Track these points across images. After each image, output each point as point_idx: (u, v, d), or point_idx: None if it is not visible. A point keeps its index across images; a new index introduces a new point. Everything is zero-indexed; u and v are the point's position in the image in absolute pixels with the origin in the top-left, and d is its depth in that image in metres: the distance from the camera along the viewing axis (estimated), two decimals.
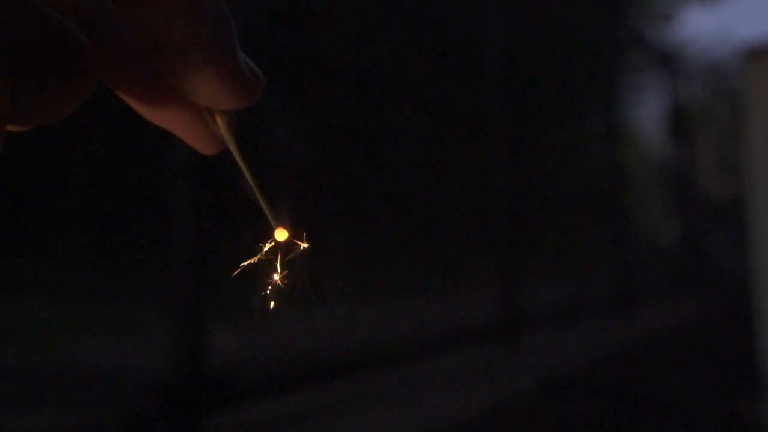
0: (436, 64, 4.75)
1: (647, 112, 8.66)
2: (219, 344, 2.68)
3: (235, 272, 0.38)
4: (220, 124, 0.35)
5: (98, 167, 2.92)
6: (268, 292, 0.38)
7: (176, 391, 2.57)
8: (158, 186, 2.76)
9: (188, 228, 2.62)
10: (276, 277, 0.38)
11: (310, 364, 3.23)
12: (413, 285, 4.57)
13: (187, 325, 2.61)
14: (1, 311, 2.89)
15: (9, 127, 0.30)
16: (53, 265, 3.00)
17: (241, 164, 0.36)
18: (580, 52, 6.93)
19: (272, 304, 0.38)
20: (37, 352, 2.91)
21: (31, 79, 0.30)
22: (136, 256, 3.10)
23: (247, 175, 0.36)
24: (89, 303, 3.12)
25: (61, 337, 3.06)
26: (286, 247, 0.38)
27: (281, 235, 0.38)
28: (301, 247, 0.38)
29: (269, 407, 2.92)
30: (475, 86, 4.87)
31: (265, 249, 0.38)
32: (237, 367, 2.87)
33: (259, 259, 0.38)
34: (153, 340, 2.93)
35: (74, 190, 2.93)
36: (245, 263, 0.38)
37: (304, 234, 0.38)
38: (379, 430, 2.83)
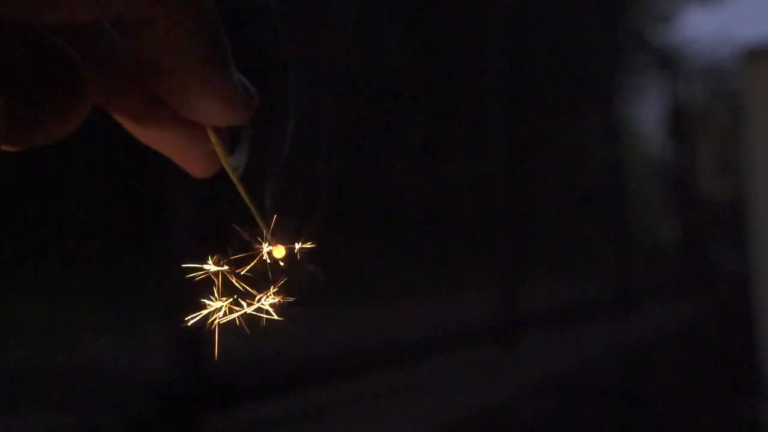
0: (436, 64, 4.75)
1: (647, 112, 8.66)
2: (219, 344, 2.68)
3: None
4: (214, 141, 0.35)
5: (98, 168, 2.92)
6: (267, 299, 0.39)
7: (176, 392, 2.57)
8: (158, 187, 2.76)
9: (188, 228, 2.62)
10: (274, 288, 0.39)
11: (310, 364, 3.23)
12: (413, 286, 4.57)
13: (187, 326, 2.60)
14: (1, 312, 2.89)
15: (5, 147, 0.30)
16: (53, 267, 3.00)
17: (237, 183, 0.36)
18: (580, 53, 6.93)
19: (272, 311, 0.39)
20: (38, 354, 2.91)
21: (28, 101, 0.30)
22: (136, 257, 3.10)
23: (243, 193, 0.37)
24: (89, 304, 3.12)
25: (62, 338, 3.06)
26: (284, 261, 0.38)
27: (279, 252, 0.38)
28: (298, 261, 0.38)
29: (269, 407, 2.92)
30: (475, 86, 4.87)
31: (266, 263, 0.38)
32: (237, 368, 2.87)
33: (258, 271, 0.38)
34: (153, 341, 2.93)
35: (74, 191, 2.93)
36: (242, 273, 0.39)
37: (302, 248, 0.38)
38: (379, 430, 2.83)
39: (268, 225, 0.38)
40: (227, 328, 0.40)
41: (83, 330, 3.13)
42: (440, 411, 3.06)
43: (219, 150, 0.35)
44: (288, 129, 0.39)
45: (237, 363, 2.93)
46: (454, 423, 2.91)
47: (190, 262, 0.39)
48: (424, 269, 4.72)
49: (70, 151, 2.67)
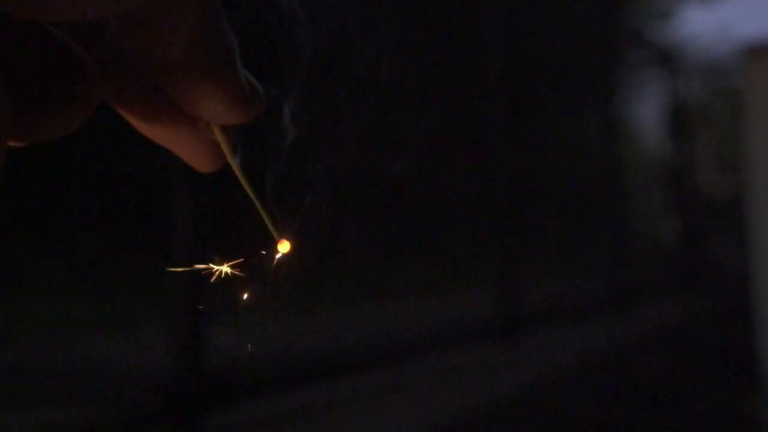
0: (436, 63, 4.75)
1: (647, 110, 8.67)
2: (219, 344, 2.68)
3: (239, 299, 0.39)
4: (220, 138, 0.35)
5: (98, 168, 2.92)
6: (266, 296, 0.39)
7: (176, 391, 2.57)
8: (158, 186, 2.76)
9: (188, 227, 2.62)
10: (274, 282, 0.39)
11: (310, 364, 3.23)
12: (412, 283, 4.57)
13: (187, 324, 2.61)
14: (1, 311, 2.89)
15: (11, 143, 0.31)
16: (54, 265, 3.00)
17: (242, 179, 0.36)
18: (579, 50, 6.93)
19: (271, 307, 0.39)
20: (38, 352, 2.91)
21: (35, 96, 0.30)
22: (136, 256, 3.10)
23: (248, 190, 0.37)
24: (89, 302, 3.12)
25: (62, 336, 3.06)
26: (289, 256, 0.38)
27: (284, 247, 0.38)
28: (302, 259, 0.39)
29: (269, 407, 2.92)
30: (475, 85, 4.87)
31: (268, 260, 0.38)
32: (237, 367, 2.87)
33: (260, 266, 0.38)
34: (153, 339, 2.93)
35: (75, 190, 2.93)
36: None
37: (306, 244, 0.39)
38: (378, 428, 2.83)
39: (273, 221, 0.38)
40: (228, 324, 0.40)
41: (83, 328, 3.13)
42: (440, 409, 3.07)
43: (225, 147, 0.35)
44: (291, 127, 0.39)
45: (237, 362, 2.93)
46: (453, 421, 2.91)
47: (192, 260, 0.39)
48: (424, 267, 4.72)
49: (72, 148, 2.68)
